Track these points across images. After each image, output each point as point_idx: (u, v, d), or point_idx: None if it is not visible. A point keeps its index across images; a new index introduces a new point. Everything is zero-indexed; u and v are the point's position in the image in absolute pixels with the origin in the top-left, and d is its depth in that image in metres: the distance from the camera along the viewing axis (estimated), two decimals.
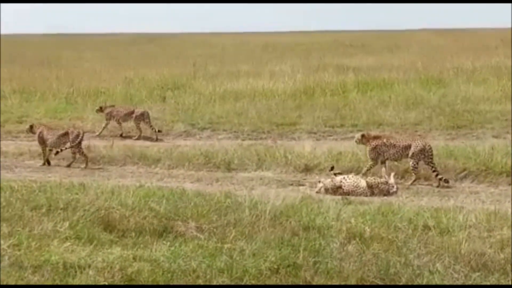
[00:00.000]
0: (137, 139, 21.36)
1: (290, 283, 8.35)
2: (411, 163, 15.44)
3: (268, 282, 8.34)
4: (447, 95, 24.99)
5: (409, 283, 8.25)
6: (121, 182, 14.57)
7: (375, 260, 8.88)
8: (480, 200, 13.45)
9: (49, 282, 8.38)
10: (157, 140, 21.24)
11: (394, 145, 15.69)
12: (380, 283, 8.27)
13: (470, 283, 8.25)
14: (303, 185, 15.26)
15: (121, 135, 21.85)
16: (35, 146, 19.40)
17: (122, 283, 8.34)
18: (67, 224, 10.65)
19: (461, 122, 20.87)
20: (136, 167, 17.35)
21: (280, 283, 8.35)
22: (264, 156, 16.83)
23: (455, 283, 8.18)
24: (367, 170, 15.66)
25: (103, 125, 22.02)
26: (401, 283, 8.26)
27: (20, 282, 8.35)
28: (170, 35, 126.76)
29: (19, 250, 9.55)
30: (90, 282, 8.30)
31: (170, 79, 33.19)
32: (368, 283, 8.26)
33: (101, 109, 22.35)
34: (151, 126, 21.64)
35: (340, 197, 13.55)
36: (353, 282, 8.25)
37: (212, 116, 22.80)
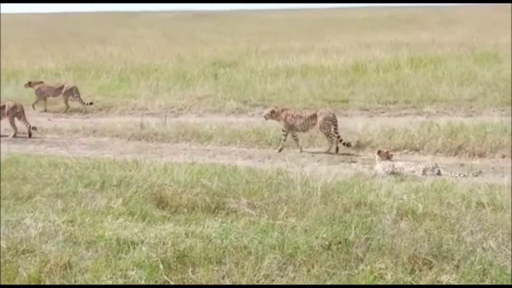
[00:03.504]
0: (65, 112, 22.35)
1: (341, 260, 8.34)
2: (323, 132, 16.23)
3: (319, 259, 8.33)
4: (502, 70, 24.57)
5: (462, 260, 8.18)
6: (174, 159, 14.63)
7: (427, 237, 8.83)
8: None
9: (103, 258, 8.49)
10: (86, 112, 22.20)
11: (301, 116, 16.46)
12: (432, 260, 8.21)
13: None
14: (355, 162, 15.19)
15: (44, 110, 22.69)
16: (89, 123, 19.67)
17: (174, 259, 8.40)
18: (120, 200, 10.80)
19: None
20: (189, 144, 17.42)
21: (331, 260, 8.34)
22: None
23: (508, 260, 8.09)
24: (297, 143, 16.49)
25: (34, 101, 22.77)
26: (454, 260, 8.20)
27: (73, 258, 8.47)
28: (223, 13, 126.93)
29: (73, 226, 9.71)
30: (143, 258, 8.38)
31: (222, 56, 33.26)
32: (421, 260, 8.21)
33: (29, 84, 23.10)
34: (80, 100, 22.47)
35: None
36: (405, 259, 8.20)
37: (264, 93, 22.76)
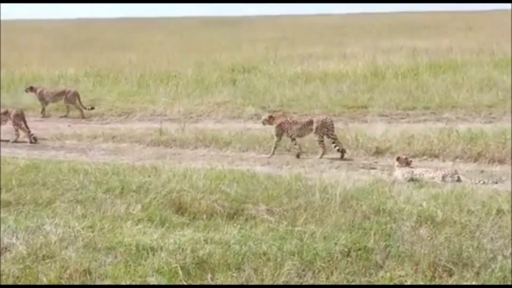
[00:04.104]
0: (83, 118, 22.47)
1: (361, 267, 8.32)
2: (316, 138, 16.34)
3: (339, 266, 8.32)
4: None
5: (482, 268, 8.14)
6: (193, 165, 14.65)
7: (447, 244, 8.79)
8: None
9: (122, 264, 8.52)
10: (84, 117, 22.41)
11: (297, 122, 16.60)
12: (452, 267, 8.18)
13: None
14: (374, 168, 15.13)
15: (65, 116, 22.83)
16: (109, 129, 19.72)
17: (193, 265, 8.41)
18: (139, 206, 10.83)
19: None
20: (207, 150, 17.41)
21: (351, 266, 8.32)
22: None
23: None
24: (274, 148, 16.60)
25: (41, 106, 22.98)
26: (474, 268, 8.16)
27: (93, 264, 8.50)
28: (241, 18, 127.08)
29: (93, 231, 9.74)
30: (162, 264, 8.41)
31: (241, 62, 33.26)
32: (441, 267, 8.18)
33: (31, 89, 23.25)
34: (81, 104, 22.61)
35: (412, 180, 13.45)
36: (424, 266, 8.18)
37: (283, 99, 22.74)
